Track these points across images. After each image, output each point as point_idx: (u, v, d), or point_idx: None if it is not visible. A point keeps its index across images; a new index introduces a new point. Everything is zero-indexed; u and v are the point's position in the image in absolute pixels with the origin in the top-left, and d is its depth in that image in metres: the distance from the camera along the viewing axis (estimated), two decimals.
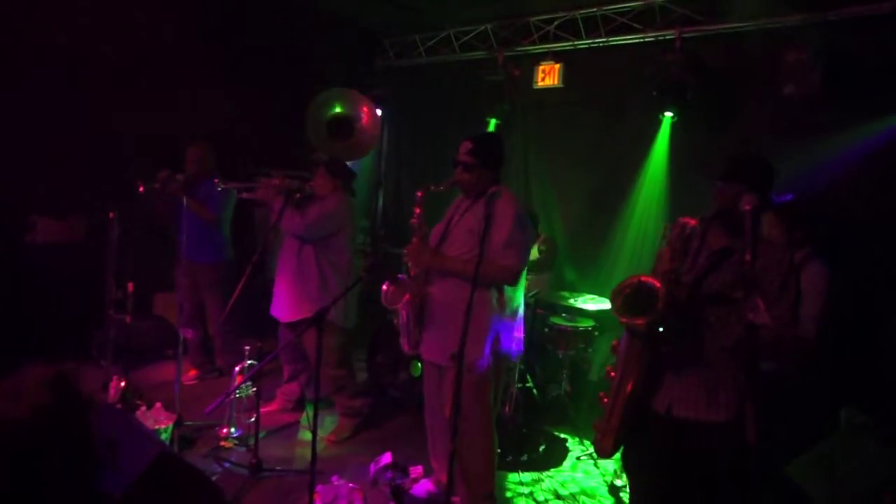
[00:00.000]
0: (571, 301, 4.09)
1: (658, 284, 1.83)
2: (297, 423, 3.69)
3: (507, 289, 2.58)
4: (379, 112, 4.80)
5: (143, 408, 3.26)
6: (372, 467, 3.09)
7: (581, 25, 4.45)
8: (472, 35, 5.09)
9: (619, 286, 1.92)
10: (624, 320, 1.88)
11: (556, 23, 4.57)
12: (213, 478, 2.94)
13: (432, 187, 2.68)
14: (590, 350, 3.99)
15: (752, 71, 3.78)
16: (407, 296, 2.67)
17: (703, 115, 3.89)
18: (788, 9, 3.50)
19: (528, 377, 3.79)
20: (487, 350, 2.53)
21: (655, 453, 1.98)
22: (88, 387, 3.70)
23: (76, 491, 1.26)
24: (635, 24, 4.21)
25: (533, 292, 3.75)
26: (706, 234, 1.97)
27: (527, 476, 3.26)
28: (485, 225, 2.28)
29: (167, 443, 3.03)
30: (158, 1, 4.32)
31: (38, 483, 1.20)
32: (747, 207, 1.74)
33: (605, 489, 3.19)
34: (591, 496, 3.13)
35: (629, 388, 1.94)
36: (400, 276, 2.74)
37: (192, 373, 4.26)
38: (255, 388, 3.20)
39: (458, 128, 4.58)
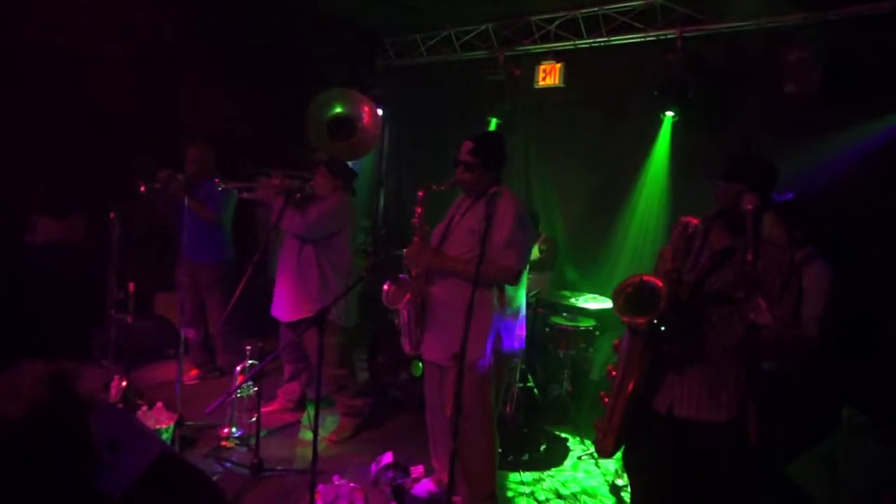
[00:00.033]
0: (572, 300, 4.09)
1: (660, 284, 1.83)
2: (299, 422, 3.69)
3: (509, 288, 2.58)
4: (380, 112, 4.80)
5: (145, 407, 3.26)
6: (373, 467, 3.09)
7: (582, 25, 4.44)
8: (472, 34, 5.09)
9: (620, 285, 1.92)
10: (626, 319, 1.88)
11: (556, 22, 4.57)
12: (214, 478, 2.94)
13: (433, 187, 2.67)
14: (591, 349, 3.99)
15: (753, 70, 3.78)
16: (408, 295, 2.67)
17: (704, 114, 3.89)
18: (789, 8, 3.49)
19: (530, 377, 3.79)
20: (489, 350, 2.53)
21: (656, 453, 1.98)
22: (90, 386, 3.71)
23: (75, 490, 1.26)
24: (636, 24, 4.21)
25: (534, 292, 3.74)
26: (708, 233, 1.97)
27: (528, 476, 3.26)
28: (486, 225, 2.28)
29: (168, 443, 3.03)
30: (158, 1, 4.33)
31: (37, 482, 1.19)
32: (748, 207, 1.74)
33: (606, 489, 3.19)
34: (592, 496, 3.13)
35: (630, 387, 1.93)
36: (401, 275, 2.74)
37: (194, 372, 4.26)
38: (256, 388, 3.20)
39: (459, 127, 4.58)
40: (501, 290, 2.56)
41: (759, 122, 3.72)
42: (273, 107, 4.90)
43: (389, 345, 4.04)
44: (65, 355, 3.77)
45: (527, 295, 2.81)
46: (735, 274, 1.82)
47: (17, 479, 1.17)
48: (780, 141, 3.41)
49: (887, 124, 3.22)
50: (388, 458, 3.09)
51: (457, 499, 2.73)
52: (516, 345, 2.66)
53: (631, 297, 1.88)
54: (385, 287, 2.75)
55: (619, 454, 2.09)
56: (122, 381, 3.50)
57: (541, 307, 3.95)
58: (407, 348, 2.75)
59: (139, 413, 3.17)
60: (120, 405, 3.35)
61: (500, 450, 2.79)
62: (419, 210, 2.67)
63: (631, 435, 1.99)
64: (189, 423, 3.38)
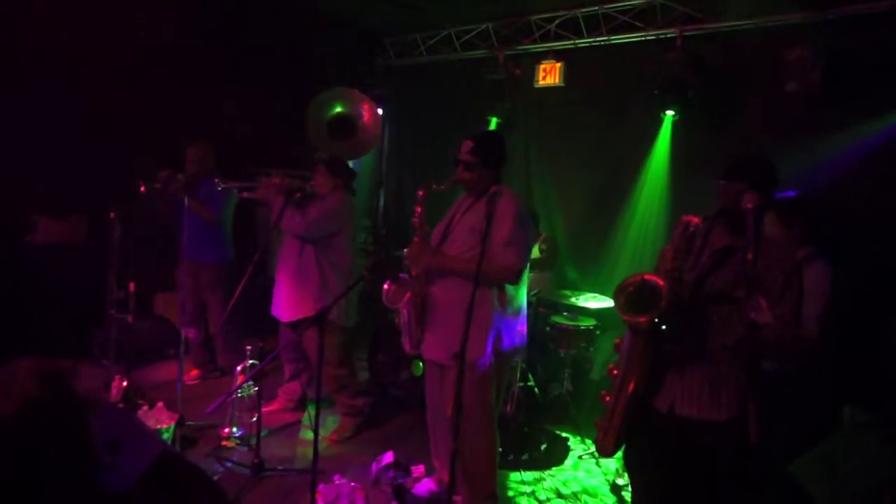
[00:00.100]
0: (573, 300, 4.09)
1: (661, 283, 1.83)
2: (299, 422, 3.69)
3: (510, 287, 2.58)
4: (380, 111, 4.80)
5: (145, 407, 3.26)
6: (374, 466, 3.09)
7: (582, 24, 4.44)
8: (472, 34, 5.09)
9: (622, 284, 1.92)
10: (627, 318, 1.88)
11: (556, 21, 4.57)
12: (215, 477, 2.94)
13: (434, 186, 2.67)
14: (591, 349, 3.99)
15: (754, 69, 3.78)
16: (408, 295, 2.67)
17: (704, 113, 3.89)
18: (789, 7, 3.49)
19: (530, 376, 3.79)
20: (489, 349, 2.53)
21: (657, 452, 1.98)
22: (90, 386, 3.70)
23: (76, 489, 1.25)
24: (636, 23, 4.20)
25: (534, 291, 3.74)
26: (709, 232, 1.97)
27: (529, 475, 3.26)
28: (486, 224, 2.28)
29: (169, 442, 3.03)
30: (158, 1, 4.33)
31: (35, 480, 1.18)
32: (749, 206, 1.74)
33: (606, 488, 3.19)
34: (592, 495, 3.13)
35: (631, 386, 1.93)
36: (401, 275, 2.74)
37: (194, 372, 4.27)
38: (256, 388, 3.21)
39: (459, 127, 4.57)
40: (501, 290, 2.56)
41: (759, 121, 3.72)
42: (273, 107, 4.90)
43: (390, 344, 4.04)
44: (65, 355, 3.77)
45: (528, 294, 2.81)
46: (735, 273, 1.82)
47: (12, 476, 1.16)
48: (781, 140, 3.41)
49: (887, 123, 3.21)
50: (388, 457, 3.09)
51: (457, 498, 2.73)
52: (517, 341, 2.66)
53: (632, 296, 1.88)
54: (385, 286, 2.75)
55: (619, 453, 2.09)
56: (123, 380, 3.50)
57: (541, 306, 3.95)
58: (407, 348, 2.75)
59: (140, 413, 3.18)
60: (121, 405, 3.36)
61: (500, 449, 2.80)
62: (419, 209, 2.67)
63: (632, 434, 1.99)
64: (190, 422, 3.38)
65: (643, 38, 4.20)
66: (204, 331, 4.29)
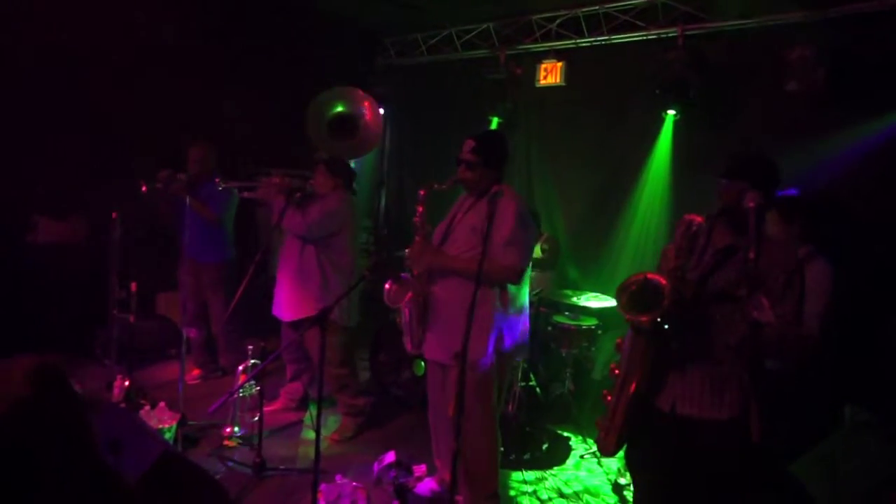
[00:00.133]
0: (574, 299, 4.09)
1: (664, 282, 1.83)
2: (301, 422, 3.70)
3: (512, 287, 2.58)
4: (381, 110, 4.80)
5: (147, 407, 3.26)
6: (375, 466, 3.09)
7: (583, 23, 4.44)
8: (473, 33, 5.09)
9: (624, 283, 1.92)
10: (629, 317, 1.88)
11: (558, 21, 4.57)
12: (217, 477, 2.94)
13: (435, 186, 2.67)
14: (593, 348, 3.99)
15: (755, 68, 3.77)
16: (410, 294, 2.67)
17: (705, 112, 3.89)
18: (791, 6, 3.49)
19: (532, 376, 3.79)
20: (490, 349, 2.53)
21: (659, 451, 1.98)
22: (92, 386, 3.71)
23: (76, 489, 1.24)
24: (637, 22, 4.20)
25: (536, 291, 3.74)
26: (711, 231, 1.97)
27: (530, 475, 3.26)
28: (487, 224, 2.28)
29: (171, 442, 3.03)
30: (158, 1, 4.32)
31: (30, 481, 1.17)
32: (751, 205, 1.74)
33: (608, 487, 3.19)
34: (594, 494, 3.13)
35: (633, 385, 1.93)
36: (403, 274, 2.74)
37: (196, 372, 4.27)
38: (258, 388, 3.20)
39: (460, 126, 4.57)
40: (503, 289, 2.56)
41: (760, 120, 3.72)
42: (273, 107, 4.90)
43: (391, 344, 4.04)
44: (67, 355, 3.78)
45: (529, 293, 2.81)
46: (738, 272, 1.82)
47: (3, 476, 1.15)
48: (782, 139, 3.41)
49: (888, 123, 3.21)
50: (390, 457, 3.09)
51: (459, 498, 2.72)
52: (519, 341, 2.66)
53: (635, 295, 1.88)
54: (387, 286, 2.75)
55: (621, 453, 2.09)
56: (125, 380, 3.50)
57: (543, 306, 3.95)
58: (409, 347, 2.75)
59: (142, 412, 3.17)
60: (122, 405, 3.35)
61: (502, 449, 2.80)
62: (421, 209, 2.67)
63: (633, 433, 2.00)
64: (192, 422, 3.38)
65: (644, 38, 4.20)
66: (206, 331, 4.29)
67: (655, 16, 4.11)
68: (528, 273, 2.69)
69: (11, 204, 4.05)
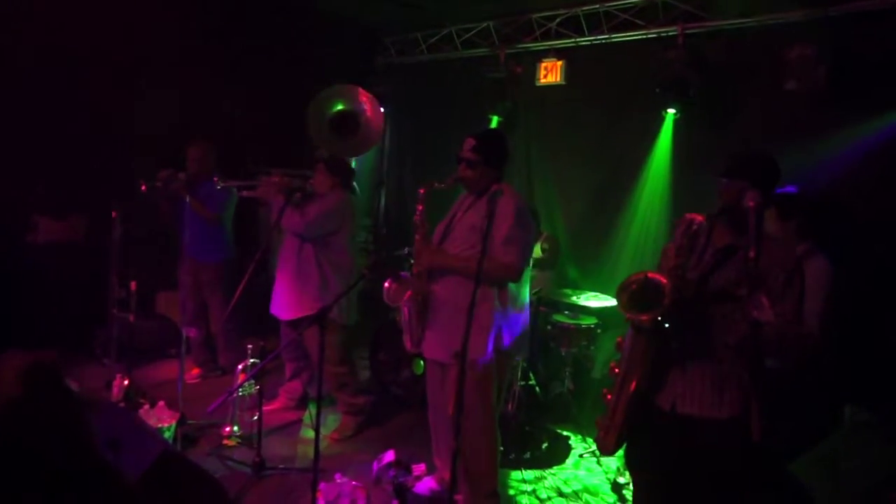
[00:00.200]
0: (574, 299, 4.09)
1: (665, 281, 1.83)
2: (300, 421, 3.70)
3: (512, 285, 2.58)
4: (381, 109, 4.79)
5: (147, 406, 3.26)
6: (375, 465, 3.09)
7: (583, 22, 4.43)
8: (473, 32, 5.08)
9: (625, 282, 1.91)
10: (629, 316, 1.87)
11: (558, 20, 4.56)
12: (216, 476, 2.93)
13: (435, 185, 2.67)
14: (593, 347, 3.99)
15: (755, 67, 3.76)
16: (409, 293, 2.67)
17: (705, 111, 3.88)
18: (791, 4, 3.48)
19: (531, 375, 3.79)
20: (490, 347, 2.53)
21: (659, 450, 1.98)
22: (92, 385, 3.72)
23: (76, 487, 1.24)
24: (637, 21, 4.20)
25: (536, 290, 3.74)
26: (712, 231, 1.97)
27: (530, 474, 3.26)
28: (487, 222, 2.27)
29: (170, 441, 3.03)
30: (158, 1, 4.32)
31: (28, 481, 1.16)
32: (751, 204, 1.73)
33: (607, 487, 3.19)
34: (593, 494, 3.13)
35: (633, 384, 1.93)
36: (402, 273, 2.74)
37: (195, 371, 4.27)
38: (257, 387, 3.20)
39: (460, 125, 4.58)
40: (502, 288, 2.56)
41: (760, 119, 3.71)
42: (273, 106, 4.90)
43: (391, 342, 4.04)
44: (66, 354, 3.78)
45: (529, 292, 2.80)
46: (738, 271, 1.82)
47: (5, 475, 1.14)
48: (782, 138, 3.40)
49: (888, 122, 3.20)
50: (389, 456, 3.09)
51: (459, 497, 2.72)
52: (519, 340, 2.66)
53: (635, 294, 1.87)
54: (386, 284, 2.75)
55: (620, 452, 2.09)
56: (124, 379, 3.50)
57: (542, 305, 3.95)
58: (408, 346, 2.75)
59: (141, 412, 3.18)
60: (122, 404, 3.36)
61: (501, 448, 2.79)
62: (420, 208, 2.67)
63: (633, 432, 1.99)
64: (191, 421, 3.38)
65: (644, 37, 4.19)
66: (205, 330, 4.30)
67: (655, 14, 4.10)
68: (529, 272, 2.69)
69: (11, 204, 4.06)
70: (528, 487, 3.13)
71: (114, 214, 3.68)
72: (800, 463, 2.55)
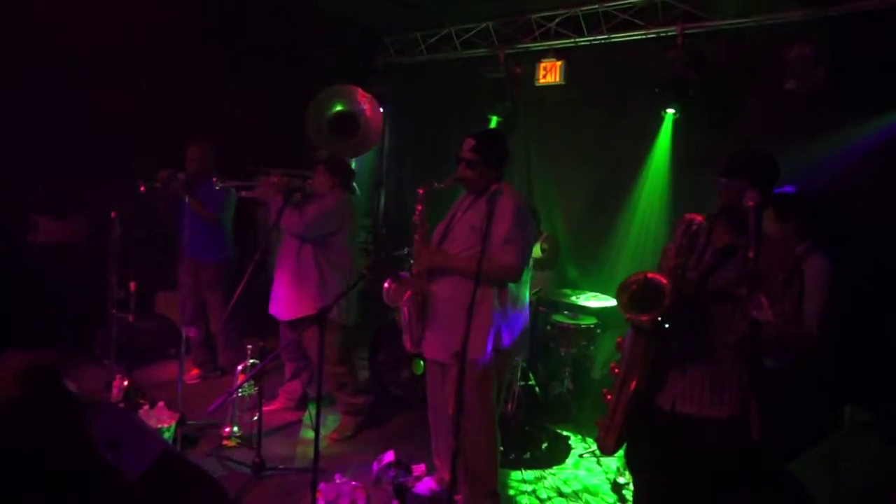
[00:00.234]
0: (574, 299, 4.09)
1: (665, 281, 1.83)
2: (300, 421, 3.70)
3: (511, 285, 2.58)
4: (380, 109, 4.80)
5: (146, 407, 3.26)
6: (375, 465, 3.09)
7: (582, 22, 4.44)
8: (473, 32, 5.08)
9: (625, 282, 1.91)
10: (629, 316, 1.87)
11: (557, 20, 4.57)
12: (216, 476, 2.93)
13: (435, 185, 2.67)
14: (592, 348, 3.99)
15: (754, 67, 3.77)
16: (409, 293, 2.67)
17: (705, 111, 3.88)
18: (790, 4, 3.49)
19: (531, 375, 3.79)
20: (489, 347, 2.52)
21: (659, 450, 1.98)
22: (91, 386, 3.72)
23: (76, 487, 1.23)
24: (637, 21, 4.20)
25: (535, 290, 3.74)
26: (711, 231, 1.97)
27: (529, 474, 3.26)
28: (486, 222, 2.27)
29: (170, 442, 3.03)
30: (158, 1, 4.32)
31: (27, 481, 1.16)
32: (751, 204, 1.73)
33: (607, 487, 3.19)
34: (593, 494, 3.13)
35: (633, 384, 1.93)
36: (402, 273, 2.74)
37: (195, 372, 4.27)
38: (257, 387, 3.20)
39: (460, 125, 4.58)
40: (502, 288, 2.56)
41: (760, 119, 3.71)
42: (273, 107, 4.90)
43: (390, 343, 4.04)
44: (66, 355, 3.78)
45: (529, 292, 2.80)
46: (737, 271, 1.82)
47: (4, 475, 1.14)
48: (781, 138, 3.40)
49: (888, 122, 3.20)
50: (389, 456, 3.09)
51: (458, 497, 2.72)
52: (519, 340, 2.66)
53: (635, 295, 1.87)
54: (386, 285, 2.75)
55: (621, 452, 2.09)
56: (124, 380, 3.50)
57: (542, 305, 3.95)
58: (408, 346, 2.75)
59: (141, 412, 3.18)
60: (121, 404, 3.36)
61: (501, 448, 2.79)
62: (420, 208, 2.67)
63: (633, 432, 1.99)
64: (191, 422, 3.38)
65: (644, 37, 4.19)
66: (205, 330, 4.30)
67: (655, 14, 4.10)
68: (529, 271, 2.69)
69: (11, 204, 4.06)
70: (528, 487, 3.13)
71: (113, 215, 3.68)
72: (800, 463, 2.55)
